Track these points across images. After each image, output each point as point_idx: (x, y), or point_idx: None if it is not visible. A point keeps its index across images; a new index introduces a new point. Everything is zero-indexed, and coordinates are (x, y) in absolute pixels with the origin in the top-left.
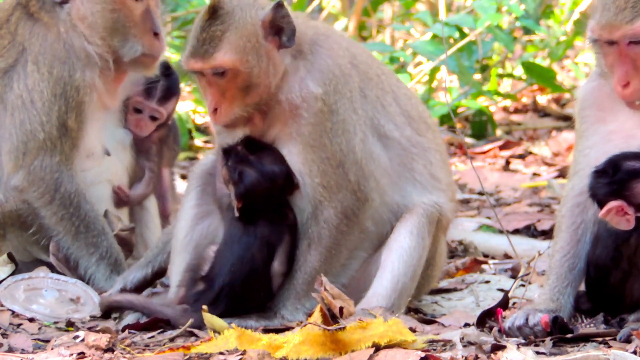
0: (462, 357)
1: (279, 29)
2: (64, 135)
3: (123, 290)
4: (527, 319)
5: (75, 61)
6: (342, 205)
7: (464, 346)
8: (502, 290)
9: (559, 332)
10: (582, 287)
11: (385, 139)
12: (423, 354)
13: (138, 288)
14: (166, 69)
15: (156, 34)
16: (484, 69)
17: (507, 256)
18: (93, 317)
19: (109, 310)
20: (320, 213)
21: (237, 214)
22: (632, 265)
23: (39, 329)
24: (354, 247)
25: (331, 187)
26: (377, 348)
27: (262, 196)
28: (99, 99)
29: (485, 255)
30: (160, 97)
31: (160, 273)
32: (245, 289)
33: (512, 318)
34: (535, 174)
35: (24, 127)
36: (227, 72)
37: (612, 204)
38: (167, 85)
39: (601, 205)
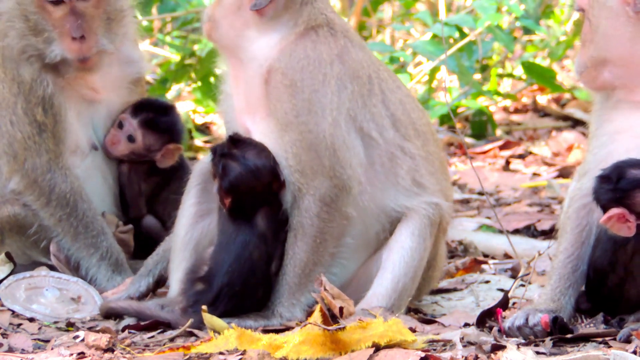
0: (462, 357)
1: None
2: (41, 132)
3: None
4: (527, 319)
5: (17, 57)
6: (319, 192)
7: (464, 346)
8: (502, 290)
9: (559, 332)
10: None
11: (367, 137)
12: (423, 354)
13: (144, 296)
14: (167, 109)
15: (74, 38)
16: (484, 68)
17: (507, 256)
18: (93, 317)
19: (108, 316)
20: (301, 201)
21: (224, 210)
22: (627, 272)
23: (39, 328)
24: (339, 234)
25: (306, 173)
26: (377, 348)
27: (248, 191)
28: (70, 91)
29: (485, 255)
30: (143, 120)
31: (161, 281)
32: (245, 288)
33: (512, 318)
34: (535, 174)
35: (0, 129)
36: None
37: (614, 211)
38: (157, 116)
39: (604, 210)
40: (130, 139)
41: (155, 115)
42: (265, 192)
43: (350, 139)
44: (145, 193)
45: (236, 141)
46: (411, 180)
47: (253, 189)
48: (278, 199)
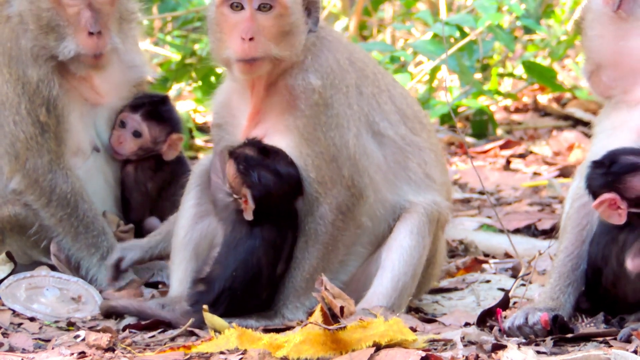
0: (463, 356)
1: (307, 10)
2: (44, 132)
3: (118, 262)
4: (526, 318)
5: (25, 58)
6: (336, 201)
7: (465, 345)
8: (502, 289)
9: (559, 331)
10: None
11: (380, 136)
12: (424, 354)
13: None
14: (163, 99)
15: (91, 33)
16: (485, 68)
17: (507, 255)
18: (94, 317)
19: (108, 314)
20: (316, 209)
21: (250, 218)
22: (620, 265)
23: (40, 328)
24: (350, 242)
25: (325, 183)
26: (378, 347)
27: (277, 199)
28: (74, 93)
29: (486, 255)
30: (146, 113)
31: (158, 257)
32: (247, 292)
33: (511, 318)
34: (535, 174)
35: (3, 129)
36: (274, 7)
37: (605, 196)
38: (156, 106)
39: (595, 197)
40: (136, 134)
41: (155, 107)
42: (289, 198)
43: (369, 145)
44: (151, 193)
45: (264, 150)
46: (422, 173)
47: (282, 198)
48: (293, 206)
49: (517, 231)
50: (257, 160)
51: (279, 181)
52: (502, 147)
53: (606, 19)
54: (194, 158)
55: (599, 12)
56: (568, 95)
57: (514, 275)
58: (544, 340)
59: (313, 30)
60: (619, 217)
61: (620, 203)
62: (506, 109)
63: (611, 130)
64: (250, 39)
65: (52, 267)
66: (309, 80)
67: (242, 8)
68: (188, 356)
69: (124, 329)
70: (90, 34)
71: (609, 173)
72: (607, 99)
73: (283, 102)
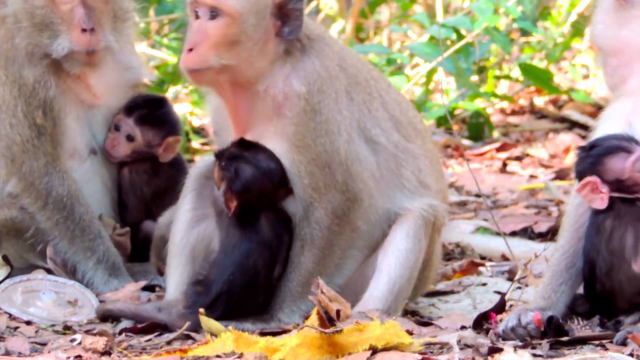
0: (459, 359)
1: (285, 17)
2: (40, 135)
3: None
4: (519, 319)
5: (20, 58)
6: (332, 205)
7: (461, 349)
8: (499, 292)
9: (554, 332)
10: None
11: (373, 143)
12: (420, 357)
13: None
14: (160, 101)
15: (84, 30)
16: (481, 70)
17: (504, 258)
18: (90, 320)
19: (104, 318)
20: (312, 214)
21: (229, 214)
22: (610, 253)
23: (36, 332)
24: (346, 246)
25: (320, 188)
26: (374, 351)
27: (258, 193)
28: (70, 95)
29: (482, 258)
30: (139, 117)
31: None
32: (244, 295)
33: (505, 321)
34: (532, 176)
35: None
36: (221, 15)
37: (587, 179)
38: (152, 110)
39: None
40: (130, 138)
41: (150, 110)
42: (271, 198)
43: (362, 151)
44: (147, 197)
45: (246, 144)
46: (416, 180)
47: (262, 192)
48: (283, 207)
49: (513, 234)
50: (236, 155)
51: (259, 174)
52: (498, 150)
53: (608, 6)
54: (191, 161)
55: None
56: (564, 97)
57: (510, 278)
58: (540, 344)
59: (286, 37)
60: (601, 201)
61: (601, 186)
62: (502, 111)
63: (606, 120)
64: (190, 50)
65: (49, 271)
66: (291, 86)
67: (198, 17)
68: (184, 359)
69: (120, 333)
70: (84, 30)
71: (589, 156)
72: (612, 90)
73: (268, 109)
